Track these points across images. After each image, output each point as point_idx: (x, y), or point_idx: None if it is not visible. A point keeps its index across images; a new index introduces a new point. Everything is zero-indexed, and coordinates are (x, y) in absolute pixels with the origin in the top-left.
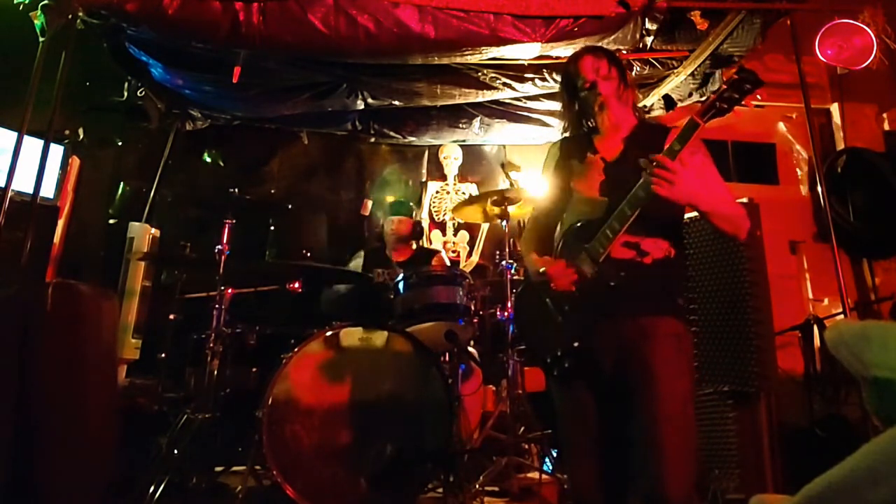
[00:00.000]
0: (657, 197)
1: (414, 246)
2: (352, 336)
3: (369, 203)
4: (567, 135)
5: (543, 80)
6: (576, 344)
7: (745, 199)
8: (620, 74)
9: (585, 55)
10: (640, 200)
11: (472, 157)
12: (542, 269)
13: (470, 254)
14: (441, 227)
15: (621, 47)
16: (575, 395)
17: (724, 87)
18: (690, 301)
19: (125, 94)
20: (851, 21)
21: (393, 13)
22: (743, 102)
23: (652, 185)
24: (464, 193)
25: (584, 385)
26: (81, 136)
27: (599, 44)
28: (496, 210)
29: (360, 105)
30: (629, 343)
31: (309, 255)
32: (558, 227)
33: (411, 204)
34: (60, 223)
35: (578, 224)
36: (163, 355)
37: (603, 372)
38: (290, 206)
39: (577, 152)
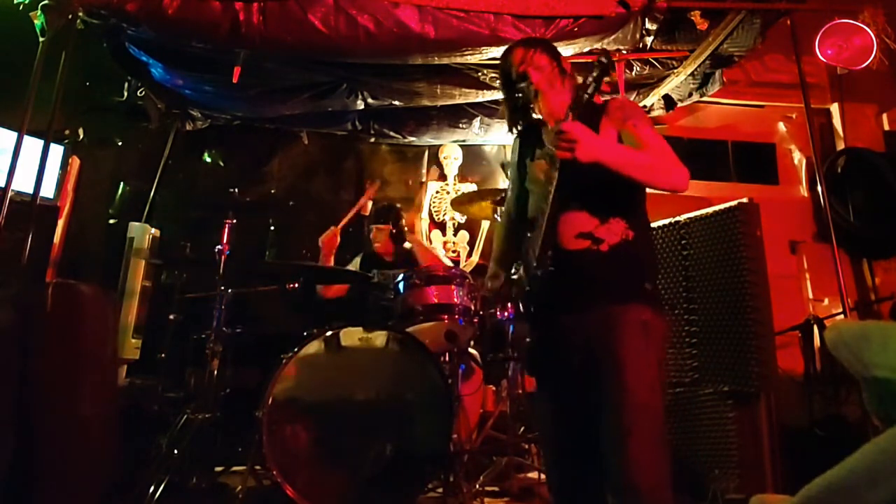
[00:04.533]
0: (568, 166)
1: (407, 245)
2: (352, 336)
3: (369, 203)
4: (515, 127)
5: None
6: (528, 340)
7: (745, 199)
8: (554, 61)
9: (516, 48)
10: (552, 175)
11: (472, 157)
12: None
13: (470, 254)
14: (441, 227)
15: (621, 47)
16: (548, 393)
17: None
18: (687, 300)
19: (125, 94)
20: (851, 21)
21: (393, 13)
22: (601, 87)
23: (556, 152)
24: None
25: (555, 382)
26: (81, 136)
27: (599, 44)
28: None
29: (360, 105)
30: (595, 334)
31: (309, 255)
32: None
33: (397, 205)
34: (60, 223)
35: (532, 220)
36: (163, 355)
37: (571, 366)
38: (290, 203)
39: (528, 148)
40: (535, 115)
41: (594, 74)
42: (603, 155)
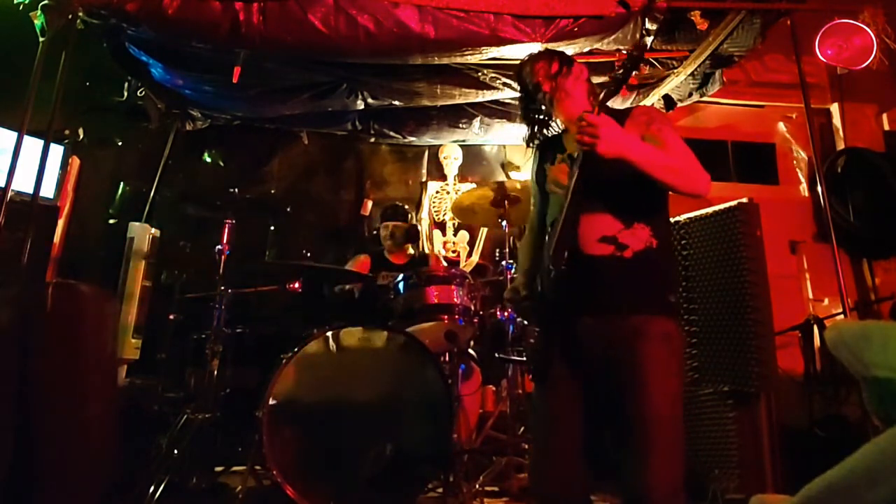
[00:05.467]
0: (591, 161)
1: (411, 250)
2: (352, 336)
3: (369, 203)
4: (535, 142)
5: None
6: (531, 340)
7: (745, 199)
8: (562, 66)
9: (528, 61)
10: (573, 171)
11: (472, 157)
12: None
13: (470, 254)
14: (441, 227)
15: (621, 47)
16: (554, 394)
17: (618, 64)
18: (687, 300)
19: (125, 94)
20: (851, 21)
21: (393, 13)
22: (629, 80)
23: (580, 144)
24: None
25: (566, 384)
26: (81, 136)
27: (599, 44)
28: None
29: (360, 105)
30: (617, 342)
31: (309, 255)
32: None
33: (406, 207)
34: (60, 223)
35: (553, 222)
36: (163, 355)
37: (584, 368)
38: (288, 210)
39: (550, 155)
40: (554, 130)
41: (625, 66)
42: (626, 150)
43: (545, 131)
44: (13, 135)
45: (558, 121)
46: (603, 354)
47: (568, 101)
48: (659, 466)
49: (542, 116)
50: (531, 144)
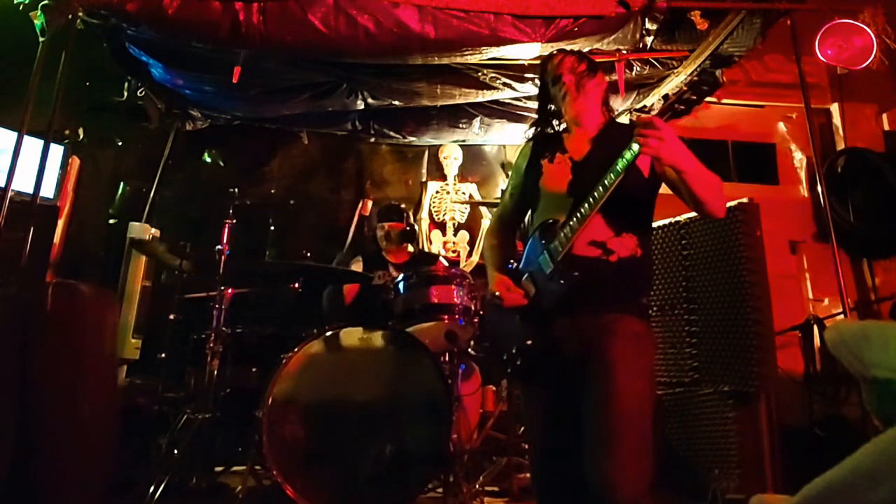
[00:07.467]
0: (631, 174)
1: (410, 248)
2: (352, 336)
3: (369, 203)
4: (533, 132)
5: None
6: (528, 342)
7: (745, 199)
8: (589, 69)
9: (557, 53)
10: (610, 186)
11: (472, 157)
12: (496, 293)
13: (470, 254)
14: (441, 227)
15: (621, 47)
16: (537, 396)
17: (684, 87)
18: (687, 300)
19: (125, 94)
20: (851, 21)
21: (393, 13)
22: (701, 104)
23: (641, 147)
24: (464, 193)
25: (544, 384)
26: (81, 136)
27: (599, 44)
28: None
29: (360, 105)
30: (590, 340)
31: (309, 255)
32: (529, 226)
33: (403, 206)
34: (60, 223)
35: (546, 222)
36: (163, 355)
37: (563, 369)
38: (288, 209)
39: (547, 152)
40: (556, 128)
41: (701, 89)
42: (683, 159)
43: (551, 127)
44: (13, 135)
45: (565, 119)
46: (576, 351)
47: (582, 100)
48: (623, 462)
49: (554, 108)
50: (531, 132)
